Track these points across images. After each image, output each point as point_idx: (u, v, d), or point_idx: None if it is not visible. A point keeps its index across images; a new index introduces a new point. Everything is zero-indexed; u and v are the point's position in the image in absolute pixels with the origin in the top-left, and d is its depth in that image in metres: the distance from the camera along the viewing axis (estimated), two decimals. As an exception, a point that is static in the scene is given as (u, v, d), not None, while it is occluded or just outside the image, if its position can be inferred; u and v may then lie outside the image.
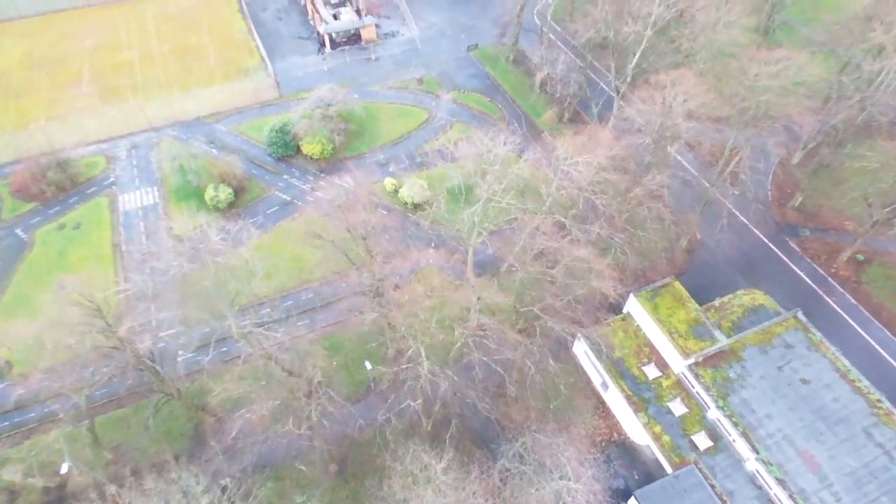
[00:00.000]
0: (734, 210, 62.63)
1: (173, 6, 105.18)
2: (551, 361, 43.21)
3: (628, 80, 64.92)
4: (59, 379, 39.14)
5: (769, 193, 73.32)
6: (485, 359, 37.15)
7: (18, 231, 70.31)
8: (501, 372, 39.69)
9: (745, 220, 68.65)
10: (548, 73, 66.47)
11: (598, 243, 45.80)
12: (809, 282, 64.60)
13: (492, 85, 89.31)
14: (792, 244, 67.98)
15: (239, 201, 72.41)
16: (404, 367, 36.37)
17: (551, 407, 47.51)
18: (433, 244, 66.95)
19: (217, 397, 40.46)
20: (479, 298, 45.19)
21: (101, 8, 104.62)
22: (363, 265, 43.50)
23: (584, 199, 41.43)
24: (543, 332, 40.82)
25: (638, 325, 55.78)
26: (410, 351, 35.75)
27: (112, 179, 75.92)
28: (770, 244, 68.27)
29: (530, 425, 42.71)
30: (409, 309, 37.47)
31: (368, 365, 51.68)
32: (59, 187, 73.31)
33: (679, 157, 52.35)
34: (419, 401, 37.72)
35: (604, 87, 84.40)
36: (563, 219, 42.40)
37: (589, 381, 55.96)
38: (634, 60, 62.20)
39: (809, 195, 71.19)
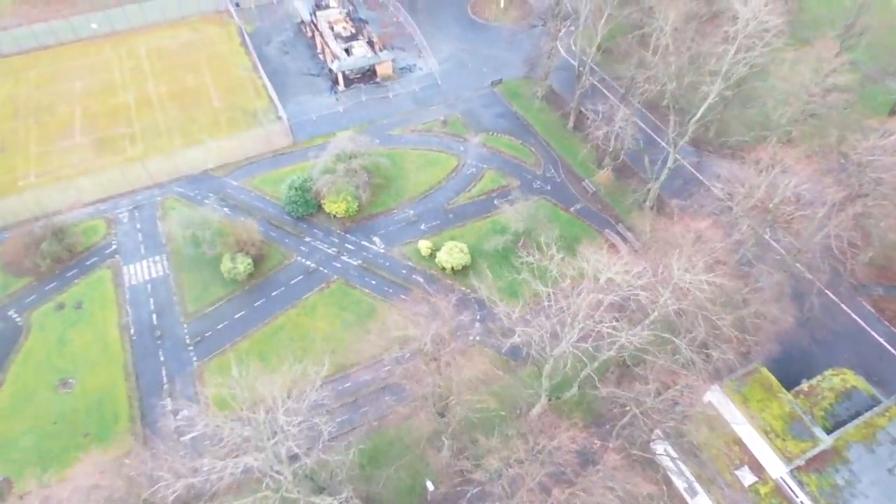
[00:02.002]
0: (808, 275, 57.16)
1: (169, 40, 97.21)
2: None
3: (689, 134, 59.11)
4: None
5: (833, 246, 67.92)
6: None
7: (12, 313, 62.58)
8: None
9: (810, 279, 63.02)
10: (606, 131, 60.22)
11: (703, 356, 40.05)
12: (891, 349, 59.50)
13: (521, 125, 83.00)
14: (866, 305, 62.86)
15: (258, 271, 65.48)
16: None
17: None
18: (478, 316, 61.01)
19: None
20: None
21: (90, 43, 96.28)
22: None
23: (704, 318, 35.68)
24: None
25: (724, 420, 50.13)
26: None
27: (114, 247, 68.32)
28: (842, 304, 63.07)
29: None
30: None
31: (430, 485, 45.36)
32: (55, 259, 65.62)
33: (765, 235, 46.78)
34: None
35: (647, 130, 78.68)
36: (675, 339, 36.54)
37: (670, 483, 50.22)
38: (699, 114, 56.42)
39: (878, 248, 65.97)
